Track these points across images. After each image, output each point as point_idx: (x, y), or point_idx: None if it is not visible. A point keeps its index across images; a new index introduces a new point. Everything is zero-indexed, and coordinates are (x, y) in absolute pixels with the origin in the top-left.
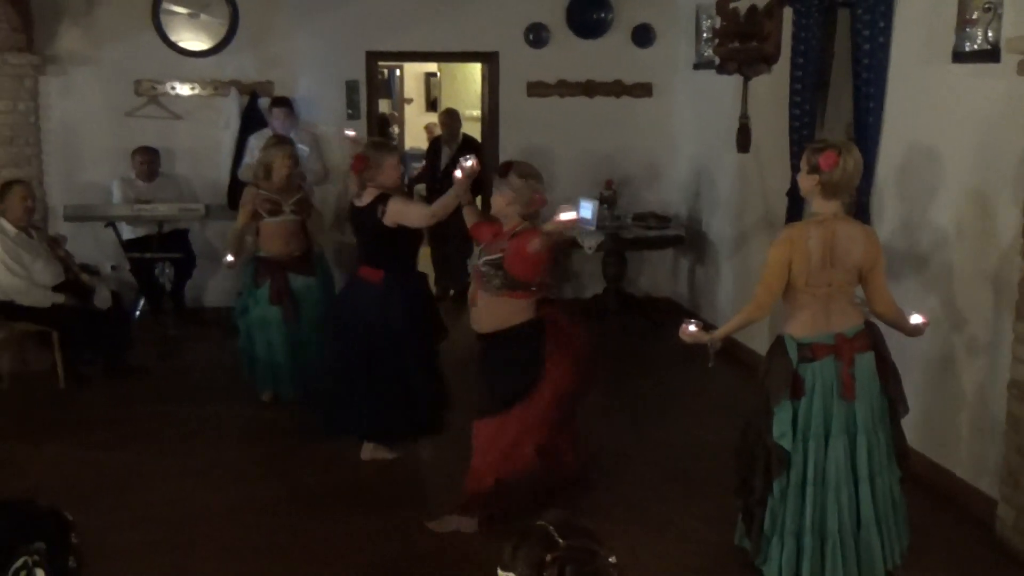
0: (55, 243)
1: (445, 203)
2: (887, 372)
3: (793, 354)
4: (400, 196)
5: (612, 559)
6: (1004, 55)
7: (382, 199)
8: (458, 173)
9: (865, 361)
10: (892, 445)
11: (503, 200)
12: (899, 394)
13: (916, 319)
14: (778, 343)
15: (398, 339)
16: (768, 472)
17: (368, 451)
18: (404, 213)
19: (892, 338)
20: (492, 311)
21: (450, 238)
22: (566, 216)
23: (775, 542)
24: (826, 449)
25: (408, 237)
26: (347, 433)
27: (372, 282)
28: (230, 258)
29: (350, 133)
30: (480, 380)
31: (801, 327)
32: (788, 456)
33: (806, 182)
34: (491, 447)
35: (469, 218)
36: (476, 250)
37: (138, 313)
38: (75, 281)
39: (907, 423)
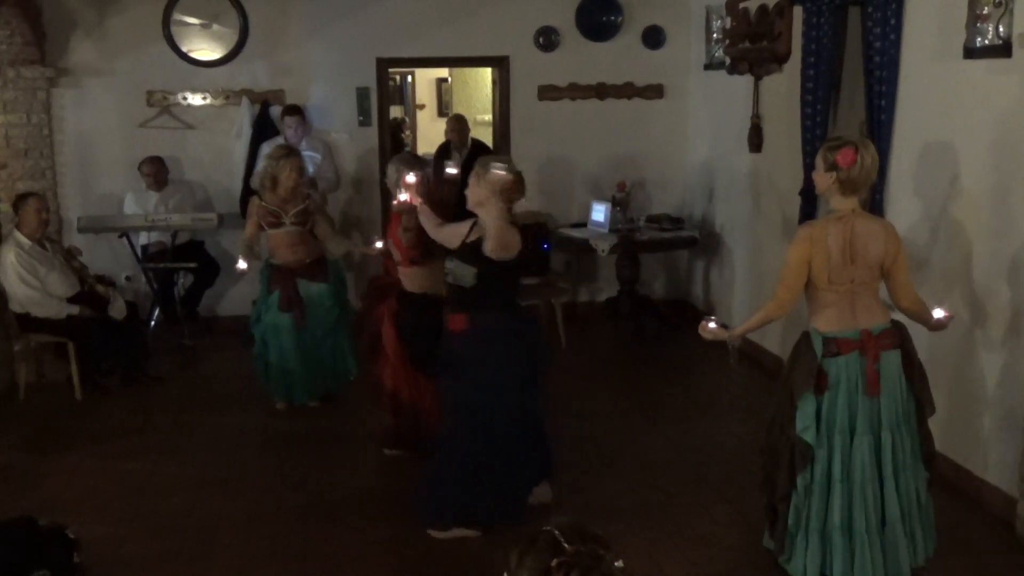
0: (70, 255)
1: None
2: (914, 372)
3: (818, 348)
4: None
5: (619, 563)
6: (1016, 50)
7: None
8: None
9: (891, 359)
10: (918, 446)
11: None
12: (926, 394)
13: (939, 313)
14: (804, 337)
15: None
16: (792, 467)
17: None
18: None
19: (912, 334)
20: None
21: None
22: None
23: (800, 539)
24: (851, 446)
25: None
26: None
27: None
28: (243, 265)
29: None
30: None
31: (827, 322)
32: (811, 450)
33: (823, 180)
34: None
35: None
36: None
37: (153, 323)
38: (90, 292)
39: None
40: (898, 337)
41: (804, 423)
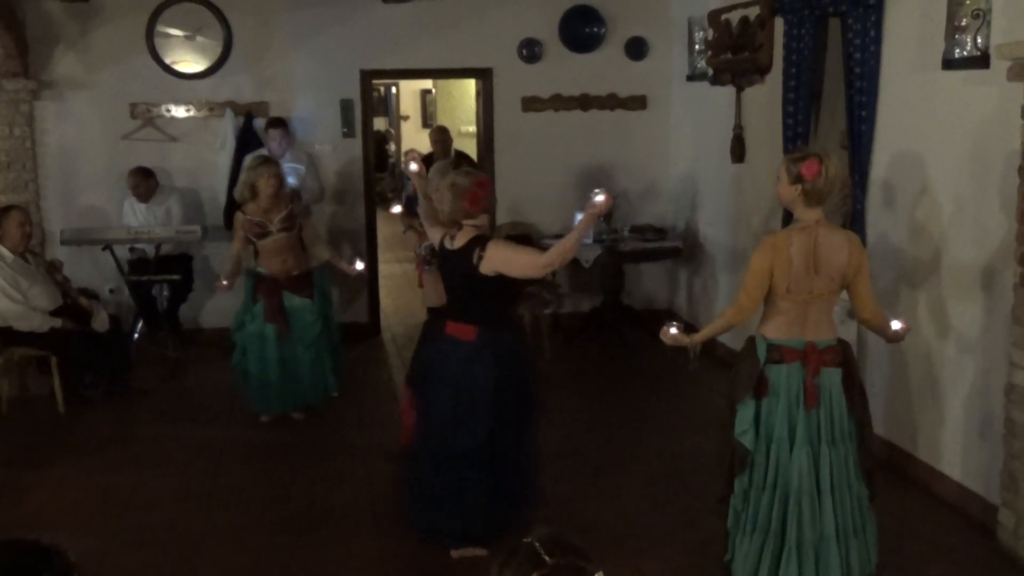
0: (52, 268)
1: (563, 250)
2: (854, 391)
3: (762, 353)
4: (503, 240)
5: (600, 575)
6: (994, 61)
7: (479, 241)
8: (598, 197)
9: (832, 376)
10: (858, 464)
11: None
12: (866, 415)
13: (896, 325)
14: (749, 342)
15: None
16: (731, 469)
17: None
18: (510, 261)
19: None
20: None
21: None
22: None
23: (739, 540)
24: (790, 456)
25: (507, 286)
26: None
27: (462, 340)
28: (224, 281)
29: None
30: None
31: (774, 329)
32: (749, 454)
33: (787, 192)
34: None
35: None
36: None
37: (136, 336)
38: (73, 305)
39: (906, 428)
40: (841, 355)
41: (742, 427)
